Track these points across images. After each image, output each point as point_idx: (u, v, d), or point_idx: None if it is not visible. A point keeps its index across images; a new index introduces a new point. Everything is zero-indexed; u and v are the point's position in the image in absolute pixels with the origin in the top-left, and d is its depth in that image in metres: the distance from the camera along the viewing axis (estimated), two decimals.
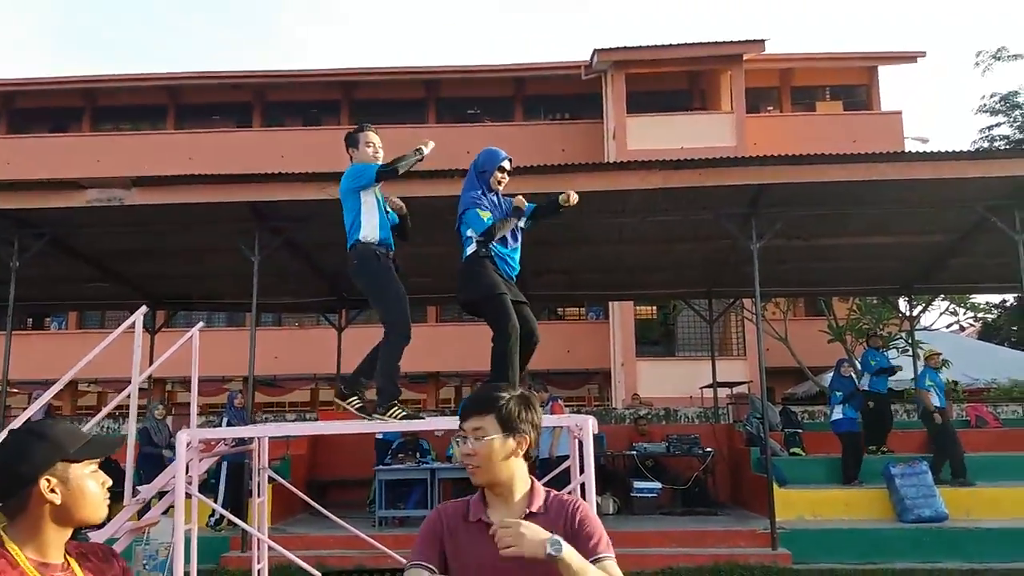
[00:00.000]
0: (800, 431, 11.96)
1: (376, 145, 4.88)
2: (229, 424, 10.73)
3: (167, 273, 13.01)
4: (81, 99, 26.02)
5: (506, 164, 4.78)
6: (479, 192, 4.75)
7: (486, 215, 4.65)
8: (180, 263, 12.33)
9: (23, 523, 1.72)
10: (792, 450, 11.61)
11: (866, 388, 11.44)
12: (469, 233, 4.71)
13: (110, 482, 1.82)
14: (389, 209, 4.87)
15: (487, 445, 2.03)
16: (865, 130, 22.36)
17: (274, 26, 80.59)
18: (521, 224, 4.85)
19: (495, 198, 4.80)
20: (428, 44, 77.94)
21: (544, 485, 5.23)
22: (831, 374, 12.32)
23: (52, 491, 1.72)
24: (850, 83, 25.41)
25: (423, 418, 5.02)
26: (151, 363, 10.82)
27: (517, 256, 4.82)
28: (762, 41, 22.06)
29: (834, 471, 10.88)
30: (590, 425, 4.27)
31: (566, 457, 8.15)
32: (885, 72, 25.30)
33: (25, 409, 15.47)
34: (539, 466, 10.49)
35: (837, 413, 10.96)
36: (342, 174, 4.84)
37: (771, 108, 25.44)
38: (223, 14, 77.61)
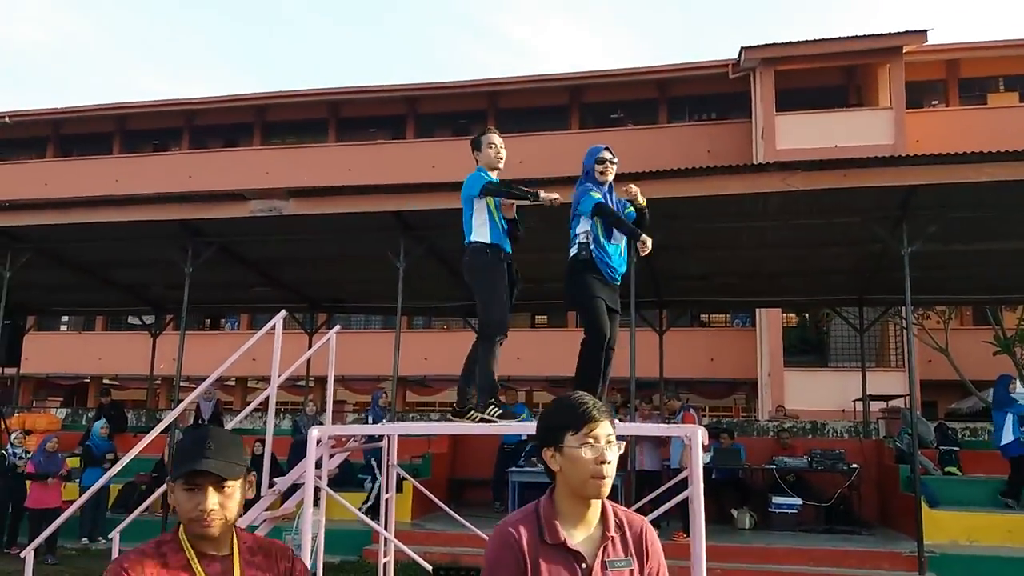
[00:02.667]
0: (957, 449, 11.16)
1: (498, 146, 5.05)
2: (374, 421, 11.34)
3: (323, 278, 13.85)
4: (252, 115, 28.10)
5: (605, 154, 4.89)
6: (588, 183, 4.90)
7: (596, 194, 4.80)
8: (334, 269, 13.10)
9: None
10: (947, 469, 10.86)
11: None
12: (578, 230, 4.87)
13: (208, 506, 1.86)
14: (509, 215, 5.01)
15: (616, 452, 1.94)
16: None
17: (422, 39, 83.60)
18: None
19: (607, 193, 4.90)
20: (571, 51, 78.29)
21: (666, 494, 5.25)
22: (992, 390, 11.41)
23: (170, 494, 1.97)
24: None
25: (517, 418, 5.17)
26: (309, 363, 11.56)
27: (618, 254, 4.85)
28: (924, 32, 20.67)
29: (994, 494, 10.09)
30: (699, 436, 4.26)
31: (704, 468, 8.09)
32: None
33: (197, 404, 16.83)
34: (672, 476, 10.38)
35: (1008, 435, 10.13)
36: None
37: (936, 102, 23.77)
38: (373, 28, 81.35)
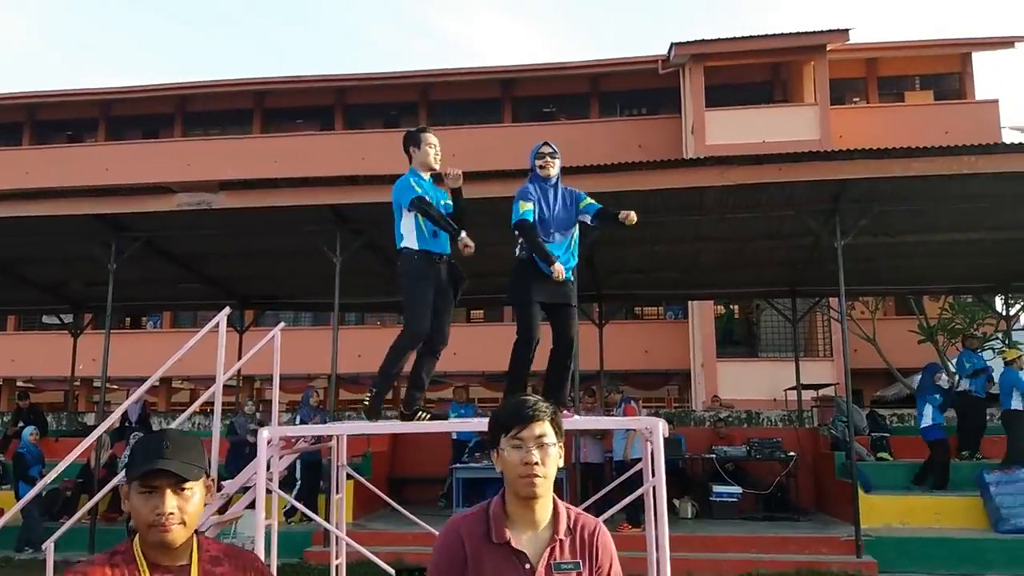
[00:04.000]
0: (888, 435, 11.54)
1: (436, 147, 5.00)
2: (302, 421, 11.04)
3: (254, 274, 13.46)
4: (172, 106, 27.14)
5: (544, 148, 4.89)
6: (527, 185, 4.87)
7: (526, 206, 4.76)
8: (266, 264, 12.73)
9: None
10: (879, 455, 11.22)
11: (961, 390, 10.97)
12: (517, 232, 4.84)
13: (166, 509, 1.76)
14: (445, 199, 5.00)
15: (550, 452, 1.95)
16: (958, 121, 21.38)
17: (349, 29, 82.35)
18: (587, 220, 4.88)
19: (551, 189, 4.85)
20: (503, 43, 78.35)
21: (619, 487, 5.22)
22: (919, 376, 11.84)
23: (124, 499, 1.84)
24: (941, 71, 24.33)
25: (448, 418, 5.14)
26: (238, 361, 11.21)
27: (564, 255, 4.82)
28: (846, 30, 21.32)
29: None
30: (660, 428, 4.23)
31: (638, 459, 8.12)
32: (979, 59, 24.25)
33: (121, 405, 16.20)
34: (615, 468, 10.44)
35: (927, 419, 10.55)
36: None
37: (857, 99, 24.58)
38: (298, 17, 79.76)
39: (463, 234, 4.72)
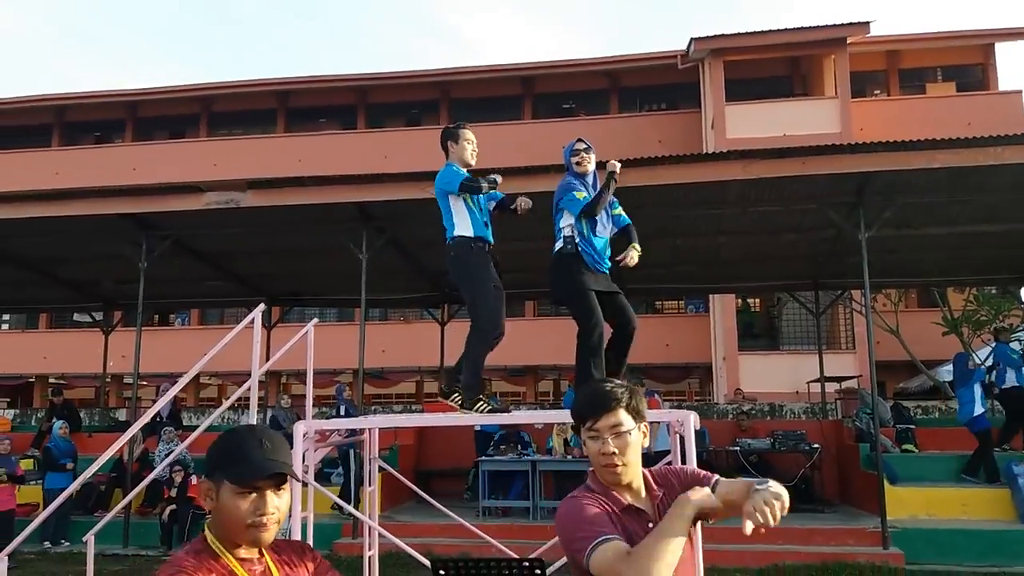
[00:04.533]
0: (913, 427, 11.52)
1: (474, 143, 5.05)
2: (347, 413, 11.23)
3: (280, 271, 13.64)
4: (197, 106, 27.45)
5: (579, 145, 4.96)
6: (571, 178, 4.93)
7: (582, 195, 4.80)
8: (292, 261, 12.91)
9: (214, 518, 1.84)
10: (904, 446, 11.21)
11: (1013, 384, 10.84)
12: (562, 224, 4.87)
13: (269, 510, 1.74)
14: (494, 188, 4.99)
15: (629, 439, 2.02)
16: (981, 112, 21.20)
17: (372, 29, 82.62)
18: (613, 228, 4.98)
19: (592, 186, 4.92)
20: (523, 41, 78.29)
21: None
22: (944, 368, 11.79)
23: (208, 497, 1.80)
24: (964, 63, 24.11)
25: (509, 411, 5.18)
26: (267, 357, 11.40)
27: (604, 246, 4.89)
28: (867, 23, 21.19)
29: (950, 469, 10.44)
30: (691, 421, 4.28)
31: (664, 452, 8.19)
32: (1003, 49, 24.04)
33: (154, 401, 16.53)
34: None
35: (978, 408, 10.46)
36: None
37: (878, 92, 24.43)
38: (318, 19, 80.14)
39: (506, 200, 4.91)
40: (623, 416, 2.03)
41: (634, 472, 2.05)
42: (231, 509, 1.75)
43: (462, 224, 4.89)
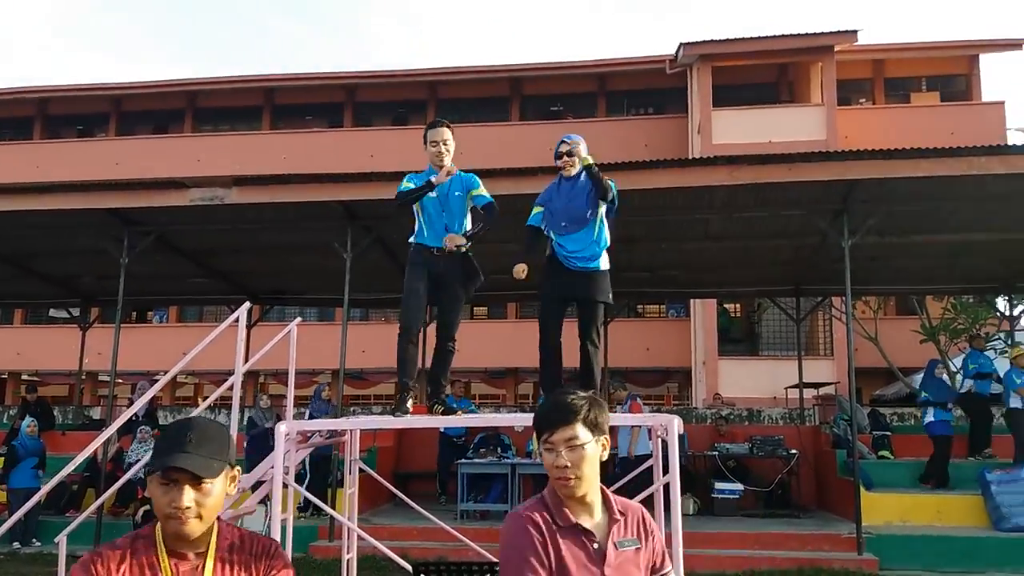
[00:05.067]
0: (889, 434, 11.62)
1: (441, 144, 4.98)
2: (311, 416, 11.13)
3: (262, 269, 13.53)
4: (182, 101, 27.23)
5: (561, 148, 4.96)
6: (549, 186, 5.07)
7: (536, 210, 5.06)
8: (276, 260, 12.81)
9: None
10: (880, 453, 11.31)
11: (965, 391, 11.04)
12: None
13: (183, 503, 1.74)
14: (459, 190, 5.05)
15: (584, 453, 1.98)
16: (964, 122, 21.43)
17: (360, 27, 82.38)
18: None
19: (568, 183, 4.95)
20: (512, 42, 78.33)
21: (625, 484, 5.29)
22: (922, 375, 11.89)
23: (147, 491, 1.86)
24: (948, 73, 24.38)
25: (455, 413, 5.25)
26: (247, 356, 11.30)
27: (571, 247, 4.89)
28: (854, 32, 21.38)
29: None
30: (676, 425, 4.28)
31: (646, 456, 8.20)
32: (986, 60, 24.25)
33: (130, 399, 16.33)
34: (618, 465, 10.52)
35: (929, 416, 10.64)
36: None
37: (863, 100, 24.63)
38: (309, 15, 79.79)
39: (449, 236, 4.91)
40: (579, 429, 1.99)
41: (588, 486, 2.01)
42: (154, 499, 1.79)
43: (415, 230, 5.09)
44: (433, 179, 4.93)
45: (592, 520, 2.02)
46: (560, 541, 1.96)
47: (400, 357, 4.97)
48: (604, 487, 2.08)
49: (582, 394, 2.07)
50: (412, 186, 4.99)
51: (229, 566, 1.83)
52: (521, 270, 4.82)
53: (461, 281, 5.06)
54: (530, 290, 13.89)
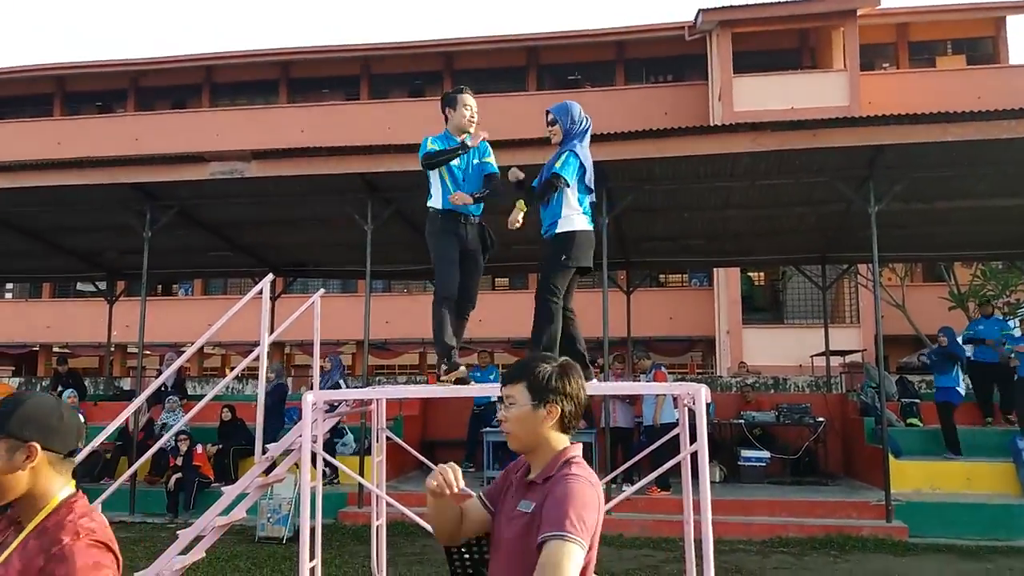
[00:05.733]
0: (918, 401, 11.50)
1: (472, 109, 5.04)
2: (334, 385, 11.23)
3: (284, 242, 13.58)
4: (200, 76, 27.23)
5: (547, 115, 4.91)
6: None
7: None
8: (297, 232, 12.84)
9: None
10: (909, 421, 11.21)
11: (968, 357, 11.00)
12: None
13: None
14: (480, 158, 5.07)
15: (515, 412, 2.10)
16: (991, 85, 20.99)
17: None
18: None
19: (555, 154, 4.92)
20: (528, 11, 77.41)
21: (653, 453, 5.25)
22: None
23: None
24: (974, 35, 23.85)
25: (469, 382, 5.15)
26: (272, 328, 11.38)
27: (543, 220, 4.86)
28: None
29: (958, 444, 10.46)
30: (703, 394, 4.26)
31: (671, 425, 8.19)
32: (1013, 22, 23.72)
33: (158, 370, 16.54)
34: (644, 433, 10.54)
35: (937, 383, 10.70)
36: None
37: (887, 65, 24.17)
38: None
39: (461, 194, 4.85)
40: (518, 390, 2.10)
41: (522, 445, 2.11)
42: None
43: (434, 195, 5.03)
44: (469, 142, 4.95)
45: (531, 476, 2.10)
46: (511, 487, 2.16)
47: (442, 321, 4.90)
48: (569, 452, 2.08)
49: (548, 358, 2.16)
50: (437, 147, 4.95)
51: (25, 550, 1.76)
52: (518, 218, 4.78)
53: (482, 250, 5.11)
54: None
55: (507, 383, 2.14)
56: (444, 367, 4.93)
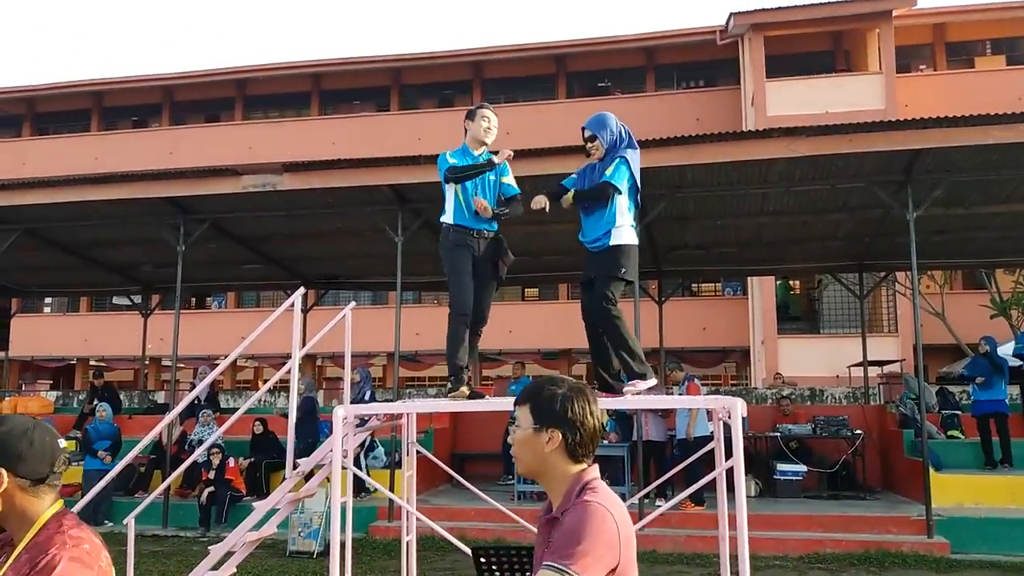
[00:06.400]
0: (959, 413, 11.20)
1: (491, 121, 5.02)
2: (363, 399, 11.20)
3: (316, 254, 13.65)
4: (232, 90, 27.59)
5: (584, 132, 4.82)
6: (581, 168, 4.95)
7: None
8: (328, 244, 12.90)
9: None
10: (950, 433, 10.92)
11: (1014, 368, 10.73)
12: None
13: None
14: (502, 175, 5.05)
15: (519, 435, 2.01)
16: None
17: (402, 6, 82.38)
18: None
19: (589, 169, 4.88)
20: (556, 18, 77.56)
21: (687, 467, 5.11)
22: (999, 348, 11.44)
23: None
24: (1014, 35, 23.32)
25: (483, 397, 5.09)
26: (304, 341, 11.41)
27: (588, 232, 4.81)
28: None
29: (997, 457, 10.18)
30: (739, 408, 4.15)
31: (707, 438, 8.04)
32: None
33: (192, 383, 16.71)
34: (677, 447, 10.37)
35: (972, 395, 10.51)
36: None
37: (924, 67, 23.74)
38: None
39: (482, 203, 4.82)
40: (523, 413, 2.00)
41: (529, 471, 2.03)
42: None
43: (447, 210, 5.01)
44: (496, 159, 4.95)
45: (553, 512, 1.97)
46: (539, 532, 2.04)
47: (457, 339, 4.90)
48: (585, 479, 1.93)
49: (557, 381, 2.04)
50: (456, 162, 4.93)
51: (17, 564, 1.81)
52: (542, 200, 4.75)
53: (495, 264, 5.06)
54: (581, 270, 13.81)
55: (516, 404, 2.05)
56: (450, 385, 4.93)
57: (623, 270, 4.66)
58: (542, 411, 1.97)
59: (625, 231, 4.74)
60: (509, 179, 5.11)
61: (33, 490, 1.86)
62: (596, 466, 2.02)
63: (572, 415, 1.96)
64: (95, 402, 12.80)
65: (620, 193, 4.70)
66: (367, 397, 11.40)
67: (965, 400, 12.74)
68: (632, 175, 4.78)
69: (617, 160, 4.71)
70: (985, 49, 23.89)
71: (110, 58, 77.51)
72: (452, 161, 4.96)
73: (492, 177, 5.02)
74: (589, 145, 4.81)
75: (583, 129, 4.84)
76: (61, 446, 1.93)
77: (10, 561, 1.82)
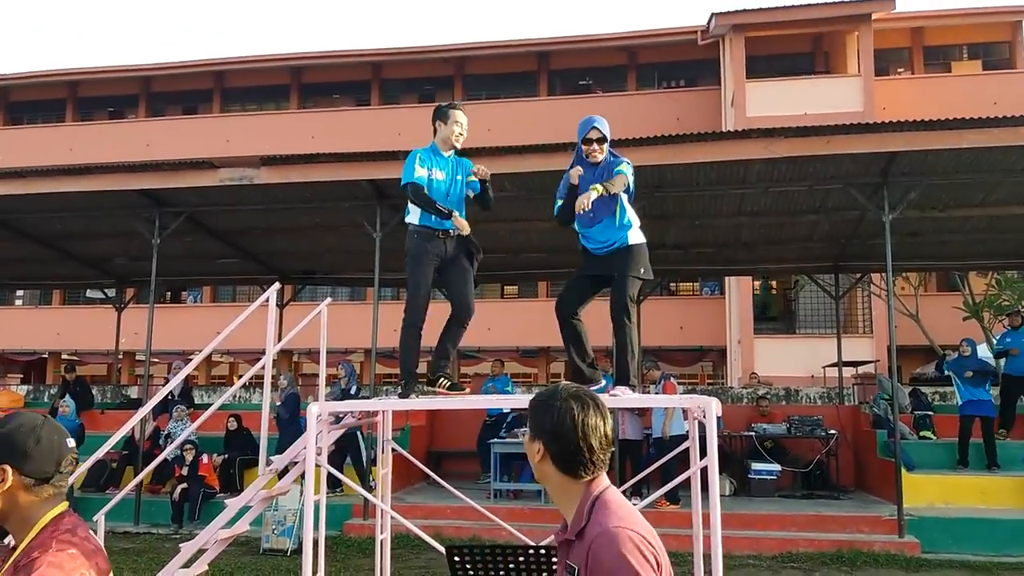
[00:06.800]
0: (931, 413, 11.33)
1: (463, 125, 4.89)
2: (353, 395, 11.15)
3: (293, 249, 13.54)
4: (210, 82, 27.30)
5: (591, 134, 4.62)
6: (571, 164, 4.75)
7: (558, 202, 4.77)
8: (306, 239, 12.81)
9: None
10: (922, 433, 11.04)
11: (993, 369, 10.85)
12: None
13: None
14: (472, 177, 4.93)
15: (524, 441, 1.96)
16: (1007, 91, 20.77)
17: (385, 1, 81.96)
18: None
19: (590, 172, 4.65)
20: (538, 16, 77.52)
21: (662, 466, 5.12)
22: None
23: None
24: (990, 40, 23.66)
25: (465, 389, 5.16)
26: (280, 336, 11.32)
27: (600, 238, 4.74)
28: None
29: (969, 457, 10.30)
30: (714, 407, 4.15)
31: (682, 437, 8.07)
32: None
33: (166, 378, 16.52)
34: (653, 445, 10.40)
35: (959, 395, 10.57)
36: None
37: (902, 70, 23.99)
38: None
39: (455, 215, 4.73)
40: (528, 427, 1.93)
41: (538, 480, 1.93)
42: None
43: (413, 212, 4.88)
44: (474, 173, 4.89)
45: (567, 533, 1.86)
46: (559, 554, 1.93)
47: (409, 347, 4.97)
48: (596, 492, 1.84)
49: (558, 391, 1.92)
50: (421, 166, 4.80)
51: (13, 567, 1.81)
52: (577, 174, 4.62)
53: (468, 258, 4.99)
54: (558, 268, 13.82)
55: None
56: (401, 389, 4.98)
57: (642, 269, 4.66)
58: (533, 420, 1.90)
59: (638, 231, 4.73)
60: (473, 179, 4.99)
61: (37, 489, 1.82)
62: (604, 476, 1.88)
63: (556, 426, 1.83)
64: (66, 397, 12.62)
65: (630, 190, 4.64)
66: (353, 392, 11.34)
67: (938, 401, 12.91)
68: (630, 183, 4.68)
69: (624, 162, 4.63)
70: (962, 54, 24.18)
71: (87, 47, 76.52)
72: (420, 172, 4.77)
73: (459, 177, 4.93)
74: (596, 146, 4.63)
75: (593, 128, 4.61)
76: (70, 446, 1.89)
77: (8, 564, 1.80)
